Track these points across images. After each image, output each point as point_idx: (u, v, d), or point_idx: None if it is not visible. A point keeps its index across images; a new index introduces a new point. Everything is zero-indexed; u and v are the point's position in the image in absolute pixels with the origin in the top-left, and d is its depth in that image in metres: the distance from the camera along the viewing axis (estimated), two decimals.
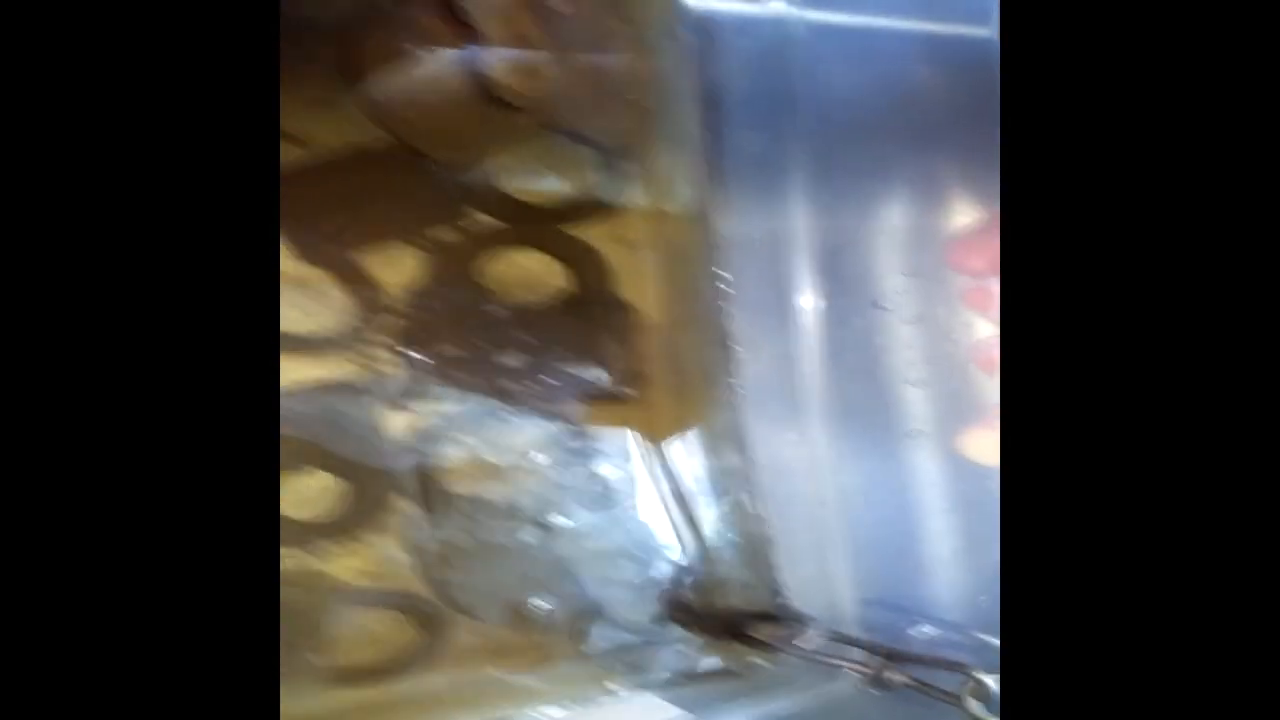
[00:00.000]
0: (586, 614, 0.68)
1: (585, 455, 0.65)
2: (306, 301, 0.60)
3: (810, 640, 0.62)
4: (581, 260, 0.61)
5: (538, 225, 0.59)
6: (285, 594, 0.66)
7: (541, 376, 0.61)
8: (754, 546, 0.67)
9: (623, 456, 0.66)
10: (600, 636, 0.69)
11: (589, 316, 0.61)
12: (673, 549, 0.67)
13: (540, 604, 0.68)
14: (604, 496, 0.66)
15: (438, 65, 0.53)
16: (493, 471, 0.65)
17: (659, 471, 0.66)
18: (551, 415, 0.63)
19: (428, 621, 0.69)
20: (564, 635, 0.69)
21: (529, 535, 0.66)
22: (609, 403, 0.63)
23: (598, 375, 0.62)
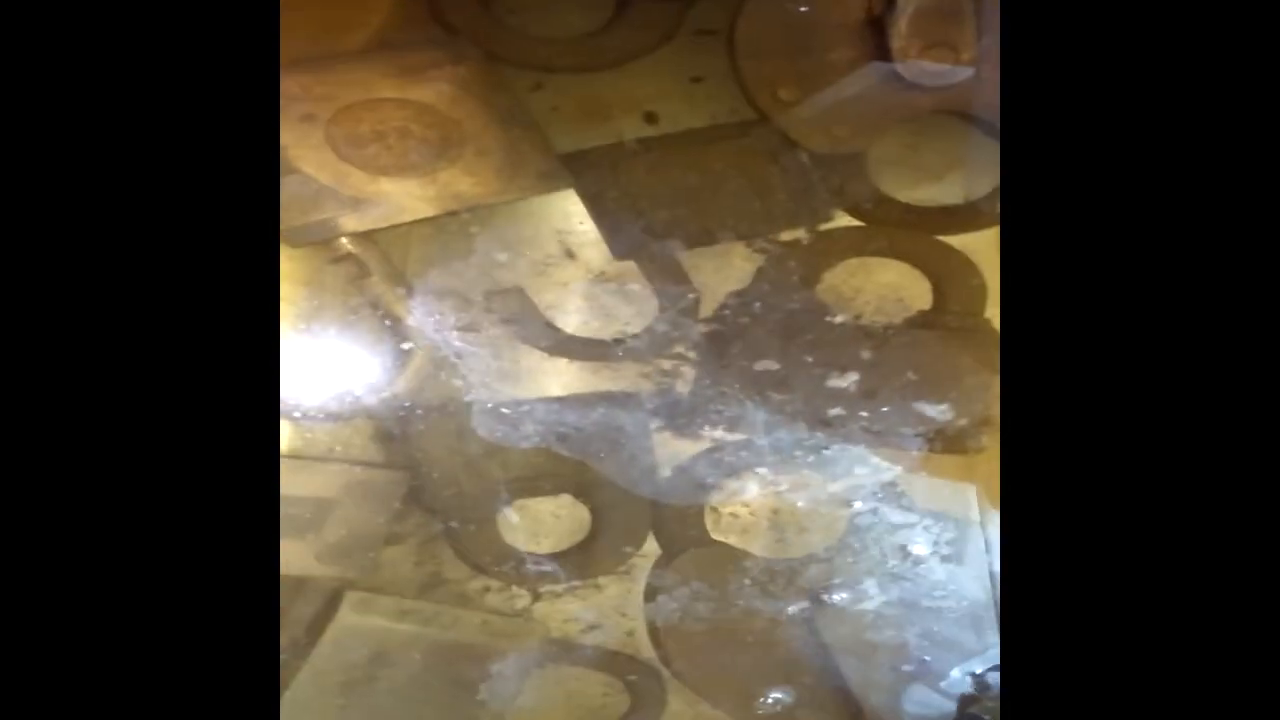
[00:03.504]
0: (837, 715, 0.56)
1: (903, 514, 0.53)
2: (610, 301, 0.50)
3: None
4: (953, 275, 0.49)
5: (910, 231, 0.48)
6: (484, 640, 0.54)
7: (875, 407, 0.49)
8: None
9: (951, 521, 0.53)
10: None
11: (946, 342, 0.50)
12: (989, 648, 0.54)
13: (779, 697, 0.56)
14: (912, 572, 0.53)
15: (839, 33, 0.43)
16: (781, 522, 0.53)
17: (995, 544, 0.53)
18: (875, 458, 0.51)
19: (643, 694, 0.57)
20: None
21: (797, 609, 0.53)
22: (952, 449, 0.51)
23: (944, 413, 0.50)
